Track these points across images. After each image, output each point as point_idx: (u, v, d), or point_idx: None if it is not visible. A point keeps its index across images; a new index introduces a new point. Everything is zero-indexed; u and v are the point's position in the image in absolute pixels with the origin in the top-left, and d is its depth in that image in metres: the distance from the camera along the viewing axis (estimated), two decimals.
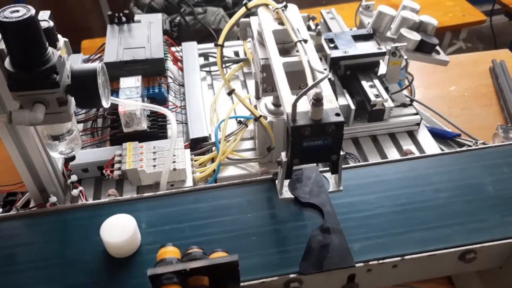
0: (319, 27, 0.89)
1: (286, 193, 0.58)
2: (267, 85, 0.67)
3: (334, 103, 0.51)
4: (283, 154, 0.54)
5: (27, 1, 2.17)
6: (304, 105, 0.50)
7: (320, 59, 0.87)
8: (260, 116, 0.75)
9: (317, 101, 0.48)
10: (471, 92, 1.16)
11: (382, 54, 0.88)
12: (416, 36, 0.95)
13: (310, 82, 0.52)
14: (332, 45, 0.91)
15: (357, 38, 0.94)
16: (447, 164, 0.69)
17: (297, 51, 0.60)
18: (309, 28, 1.02)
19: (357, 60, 0.89)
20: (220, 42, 0.72)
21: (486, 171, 0.68)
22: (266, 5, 0.69)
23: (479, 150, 0.72)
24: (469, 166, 0.68)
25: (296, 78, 0.60)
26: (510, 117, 1.05)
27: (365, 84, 0.87)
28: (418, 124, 0.90)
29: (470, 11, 2.09)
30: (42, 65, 0.55)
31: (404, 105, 0.93)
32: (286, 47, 0.67)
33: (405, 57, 0.90)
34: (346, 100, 0.87)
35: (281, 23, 0.66)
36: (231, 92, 0.76)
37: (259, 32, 0.69)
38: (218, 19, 1.63)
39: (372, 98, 0.84)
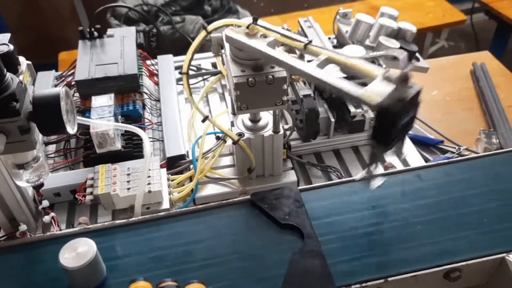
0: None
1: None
2: (241, 103, 0.65)
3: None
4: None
5: (3, 13, 2.13)
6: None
7: (304, 83, 0.85)
8: (239, 139, 0.73)
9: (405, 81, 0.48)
10: (453, 96, 1.15)
11: None
12: (395, 44, 0.94)
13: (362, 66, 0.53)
14: None
15: None
16: (428, 179, 0.67)
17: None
18: None
19: None
20: (184, 70, 0.69)
21: (467, 184, 0.66)
22: (230, 25, 0.66)
23: (460, 163, 0.70)
24: (450, 179, 0.67)
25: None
26: (492, 121, 1.04)
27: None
28: None
29: (450, 11, 2.09)
30: (0, 93, 0.52)
31: None
32: (259, 63, 0.65)
33: (384, 66, 0.88)
34: (325, 112, 0.85)
35: (263, 35, 0.64)
36: (205, 119, 0.73)
37: (231, 48, 0.66)
38: (197, 27, 1.60)
39: (352, 109, 0.82)
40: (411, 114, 0.52)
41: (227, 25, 0.65)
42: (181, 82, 1.02)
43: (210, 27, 0.66)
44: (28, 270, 0.58)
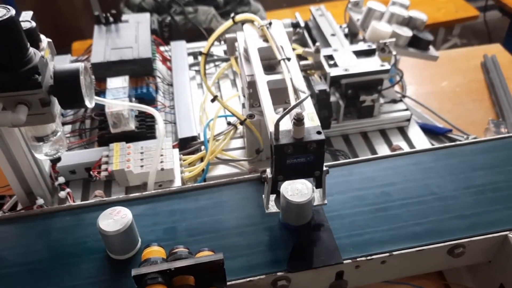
0: (317, 44, 0.86)
1: (272, 208, 0.58)
2: (253, 101, 0.68)
3: (315, 121, 0.52)
4: (268, 170, 0.54)
5: (18, 4, 2.16)
6: (287, 123, 0.51)
7: (320, 78, 0.86)
8: (245, 119, 0.74)
9: (298, 121, 0.48)
10: (463, 88, 1.16)
11: (386, 71, 0.83)
12: (407, 32, 0.95)
13: (292, 101, 0.53)
14: (331, 62, 0.86)
15: (358, 54, 0.87)
16: (434, 160, 0.68)
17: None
18: (297, 25, 1.02)
19: (359, 78, 0.83)
20: (205, 51, 0.72)
21: (474, 165, 0.67)
22: (252, 21, 0.69)
23: (469, 145, 0.72)
24: (457, 161, 0.68)
25: (281, 94, 0.60)
26: (501, 111, 1.04)
27: None
28: (408, 120, 0.90)
29: (463, 6, 2.08)
30: (24, 66, 0.54)
31: (394, 101, 0.92)
32: (271, 63, 0.66)
33: (394, 53, 0.89)
34: (335, 97, 0.86)
35: (266, 40, 0.66)
36: (214, 99, 0.75)
37: (245, 49, 0.69)
38: (209, 18, 1.62)
39: (362, 94, 0.83)
40: (306, 158, 0.51)
41: (252, 20, 0.67)
42: (193, 68, 1.05)
43: (238, 18, 0.69)
44: (48, 238, 0.60)
